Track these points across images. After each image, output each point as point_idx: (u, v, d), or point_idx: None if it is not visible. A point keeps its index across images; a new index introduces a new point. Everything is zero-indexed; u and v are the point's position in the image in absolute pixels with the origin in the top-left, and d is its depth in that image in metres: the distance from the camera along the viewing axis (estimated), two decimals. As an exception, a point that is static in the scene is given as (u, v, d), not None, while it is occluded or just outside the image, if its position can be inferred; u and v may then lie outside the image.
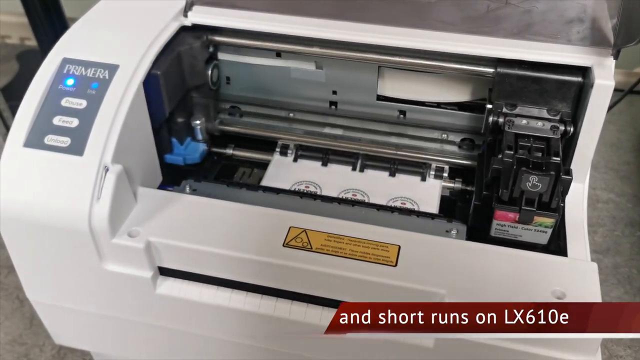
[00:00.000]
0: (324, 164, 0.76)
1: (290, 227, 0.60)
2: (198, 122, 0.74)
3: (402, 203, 0.72)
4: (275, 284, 0.60)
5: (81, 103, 0.61)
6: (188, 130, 0.74)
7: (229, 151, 0.79)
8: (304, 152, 0.77)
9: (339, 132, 0.78)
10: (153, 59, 0.64)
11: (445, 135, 0.75)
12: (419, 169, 0.75)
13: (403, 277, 0.55)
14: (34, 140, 0.60)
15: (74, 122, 0.60)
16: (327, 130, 0.78)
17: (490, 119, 0.64)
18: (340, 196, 0.72)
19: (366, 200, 0.72)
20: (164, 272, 0.62)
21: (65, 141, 0.59)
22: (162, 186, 0.71)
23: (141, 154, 0.65)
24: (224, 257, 0.58)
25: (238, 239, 0.59)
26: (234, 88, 0.79)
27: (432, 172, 0.74)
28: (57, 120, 0.60)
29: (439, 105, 0.75)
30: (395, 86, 0.73)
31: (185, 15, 0.70)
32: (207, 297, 0.61)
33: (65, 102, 0.61)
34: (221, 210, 0.62)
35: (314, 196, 0.70)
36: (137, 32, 0.66)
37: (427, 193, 0.73)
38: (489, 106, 0.66)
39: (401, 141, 0.76)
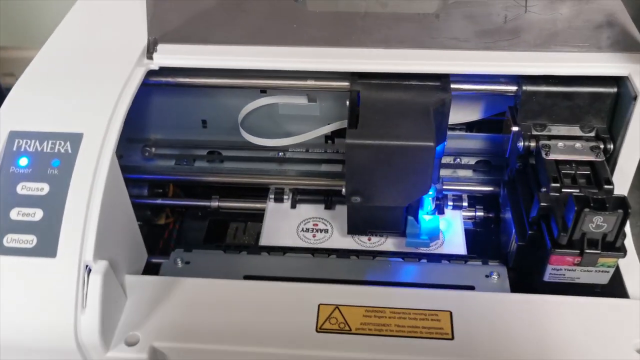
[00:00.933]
0: (328, 207, 0.67)
1: (319, 305, 0.51)
2: None
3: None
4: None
5: (42, 188, 0.49)
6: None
7: (214, 203, 0.69)
8: (302, 195, 0.68)
9: (338, 168, 0.69)
10: (123, 119, 0.52)
11: (459, 160, 0.67)
12: (435, 200, 0.67)
13: (467, 353, 0.47)
14: (-10, 244, 0.48)
15: (37, 214, 0.48)
16: (324, 167, 0.69)
17: (521, 143, 0.57)
18: (354, 241, 0.63)
19: (384, 244, 0.63)
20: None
21: (29, 240, 0.48)
22: (149, 258, 0.60)
23: (124, 236, 0.54)
24: (249, 355, 0.48)
25: (261, 329, 0.49)
26: (211, 132, 0.68)
27: (450, 203, 0.66)
28: (16, 214, 0.48)
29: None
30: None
31: (150, 57, 0.58)
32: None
33: (22, 188, 0.49)
34: (231, 293, 0.52)
35: (327, 251, 0.61)
36: (98, 87, 0.54)
37: (450, 227, 0.65)
38: (515, 129, 0.58)
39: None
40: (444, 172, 0.68)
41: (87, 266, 0.47)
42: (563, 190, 0.52)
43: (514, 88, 0.57)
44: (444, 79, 0.56)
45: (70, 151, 0.50)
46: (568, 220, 0.49)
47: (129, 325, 0.50)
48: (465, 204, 0.66)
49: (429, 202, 0.62)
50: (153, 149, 0.68)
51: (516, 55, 0.56)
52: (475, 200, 0.67)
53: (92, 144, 0.51)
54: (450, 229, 0.64)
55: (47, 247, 0.47)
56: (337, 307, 0.51)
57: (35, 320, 0.46)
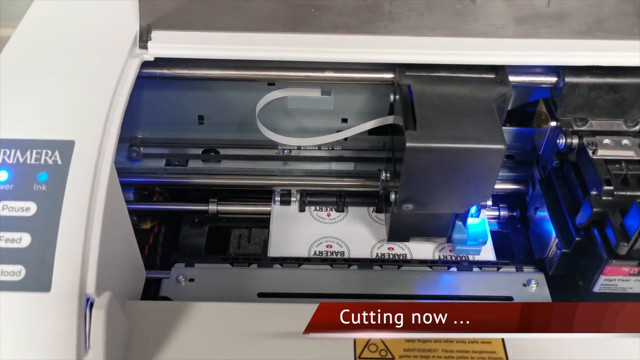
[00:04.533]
0: (340, 209, 0.61)
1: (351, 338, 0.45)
2: None
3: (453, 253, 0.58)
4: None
5: (27, 207, 0.41)
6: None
7: (213, 207, 0.61)
8: (311, 197, 0.61)
9: (350, 167, 0.62)
10: (120, 121, 0.45)
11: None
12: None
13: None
14: (-32, 277, 0.40)
15: (23, 240, 0.40)
16: (335, 166, 0.62)
17: (562, 140, 0.52)
18: (374, 252, 0.57)
19: (406, 253, 0.57)
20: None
21: (17, 271, 0.40)
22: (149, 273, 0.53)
23: (125, 257, 0.47)
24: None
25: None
26: (208, 129, 0.60)
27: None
28: (-2, 240, 0.40)
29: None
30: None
31: (144, 47, 0.50)
32: None
33: (3, 208, 0.41)
34: (251, 318, 0.46)
35: (346, 261, 0.55)
36: (89, 84, 0.46)
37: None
38: (554, 124, 0.53)
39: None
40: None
41: (88, 299, 0.40)
42: (615, 193, 0.47)
43: (553, 79, 0.52)
44: (500, 71, 0.50)
45: (60, 162, 0.42)
46: (630, 229, 0.44)
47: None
48: (489, 202, 0.61)
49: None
50: (141, 149, 0.60)
51: (558, 43, 0.51)
52: (498, 198, 0.62)
53: (86, 153, 0.43)
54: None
55: (38, 279, 0.40)
56: (369, 340, 0.45)
57: (29, 366, 0.39)
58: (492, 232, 0.60)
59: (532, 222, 0.59)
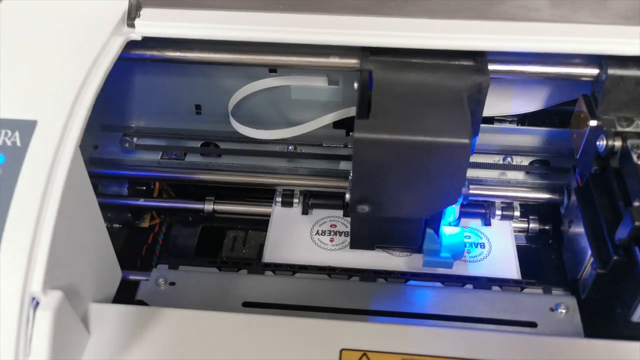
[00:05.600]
0: (347, 214, 0.55)
1: (341, 351, 0.39)
2: None
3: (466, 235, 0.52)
4: None
5: (-22, 192, 0.37)
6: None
7: (209, 206, 0.56)
8: (315, 199, 0.55)
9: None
10: (91, 102, 0.40)
11: (510, 160, 0.55)
12: (478, 209, 0.55)
13: None
14: None
15: (-30, 228, 0.36)
16: (343, 165, 0.56)
17: (602, 142, 0.45)
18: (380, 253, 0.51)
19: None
20: None
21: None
22: (126, 274, 0.48)
23: (91, 254, 0.42)
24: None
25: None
26: (206, 119, 0.55)
27: (499, 212, 0.54)
28: (-60, 227, 0.36)
29: (492, 120, 0.54)
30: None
31: (131, 25, 0.46)
32: None
33: (-49, 192, 0.37)
34: (227, 330, 0.40)
35: (347, 271, 0.49)
36: (61, 61, 0.42)
37: (496, 240, 0.53)
38: (594, 123, 0.46)
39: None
40: (489, 174, 0.55)
41: (33, 299, 0.35)
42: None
43: (594, 72, 0.45)
44: (479, 58, 0.44)
45: (19, 144, 0.38)
46: (679, 249, 0.37)
47: (93, 371, 0.38)
48: (517, 213, 0.54)
49: (452, 211, 0.51)
50: (135, 139, 0.56)
51: (601, 29, 0.43)
52: (527, 209, 0.55)
53: (48, 134, 0.38)
54: (497, 244, 0.52)
55: (-19, 273, 0.35)
56: (365, 353, 0.39)
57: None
58: (518, 247, 0.52)
59: (565, 237, 0.51)
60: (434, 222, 0.48)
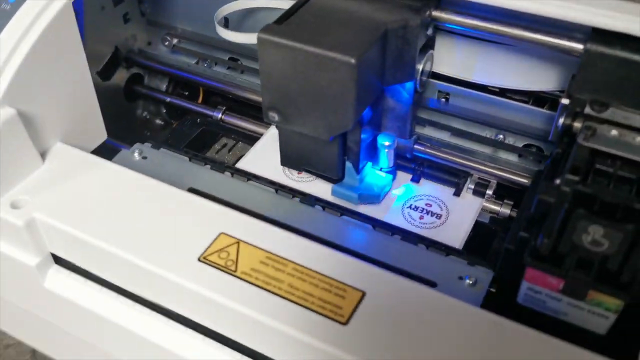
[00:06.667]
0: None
1: (220, 234, 0.41)
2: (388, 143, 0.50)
3: (427, 204, 0.51)
4: (180, 310, 0.42)
5: (-13, 21, 0.46)
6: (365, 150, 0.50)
7: (217, 114, 0.61)
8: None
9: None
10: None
11: (502, 137, 0.52)
12: (453, 177, 0.53)
13: (352, 346, 0.35)
14: None
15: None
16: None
17: (561, 120, 0.41)
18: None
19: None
20: (60, 261, 0.46)
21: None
22: (111, 142, 0.55)
23: (68, 99, 0.49)
24: (114, 258, 0.41)
25: (147, 239, 0.41)
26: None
27: (471, 186, 0.52)
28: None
29: (501, 92, 0.52)
30: (440, 55, 0.51)
31: None
32: (100, 305, 0.45)
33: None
34: (147, 194, 0.45)
35: (294, 192, 0.51)
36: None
37: (458, 213, 0.51)
38: (565, 101, 0.42)
39: (436, 134, 0.54)
40: (479, 148, 0.53)
41: (-9, 109, 0.43)
42: (577, 189, 0.36)
43: (579, 47, 0.41)
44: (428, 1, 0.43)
45: (27, -8, 0.46)
46: (557, 224, 0.34)
47: (26, 189, 0.45)
48: (489, 192, 0.51)
49: (384, 156, 0.50)
50: (175, 40, 0.63)
51: (588, -3, 0.40)
52: (508, 192, 0.52)
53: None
54: (455, 217, 0.50)
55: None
56: (238, 241, 0.41)
57: None
58: (478, 226, 0.50)
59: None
60: (353, 155, 0.48)
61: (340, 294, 0.37)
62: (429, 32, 0.45)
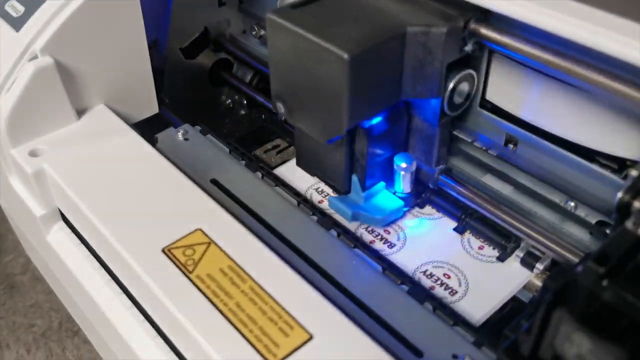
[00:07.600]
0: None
1: (197, 229, 0.38)
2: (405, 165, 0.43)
3: (445, 275, 0.43)
4: (134, 293, 0.39)
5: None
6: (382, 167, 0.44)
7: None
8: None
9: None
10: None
11: (573, 205, 0.43)
12: (501, 238, 0.44)
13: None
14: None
15: (30, -6, 0.46)
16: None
17: (619, 194, 0.32)
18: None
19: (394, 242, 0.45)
20: (66, 219, 0.46)
21: (19, 10, 0.46)
22: (173, 118, 0.54)
23: (114, 63, 0.49)
24: (96, 231, 0.40)
25: (130, 218, 0.40)
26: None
27: (520, 253, 0.43)
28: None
29: (586, 153, 0.42)
30: (512, 92, 0.43)
31: None
32: (81, 273, 0.44)
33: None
34: (155, 175, 0.43)
35: (314, 209, 0.46)
36: None
37: (495, 281, 0.42)
38: (635, 173, 0.33)
39: (493, 185, 0.46)
40: (544, 213, 0.44)
41: (35, 54, 0.44)
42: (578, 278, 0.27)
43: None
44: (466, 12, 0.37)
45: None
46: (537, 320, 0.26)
47: (50, 141, 0.45)
48: (540, 266, 0.42)
49: (399, 179, 0.43)
50: (262, 32, 0.61)
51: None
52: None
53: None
54: (491, 283, 0.42)
55: (21, 21, 0.45)
56: (210, 243, 0.37)
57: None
58: (515, 302, 0.41)
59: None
60: (360, 169, 0.43)
61: (286, 330, 0.32)
62: (468, 47, 0.38)
